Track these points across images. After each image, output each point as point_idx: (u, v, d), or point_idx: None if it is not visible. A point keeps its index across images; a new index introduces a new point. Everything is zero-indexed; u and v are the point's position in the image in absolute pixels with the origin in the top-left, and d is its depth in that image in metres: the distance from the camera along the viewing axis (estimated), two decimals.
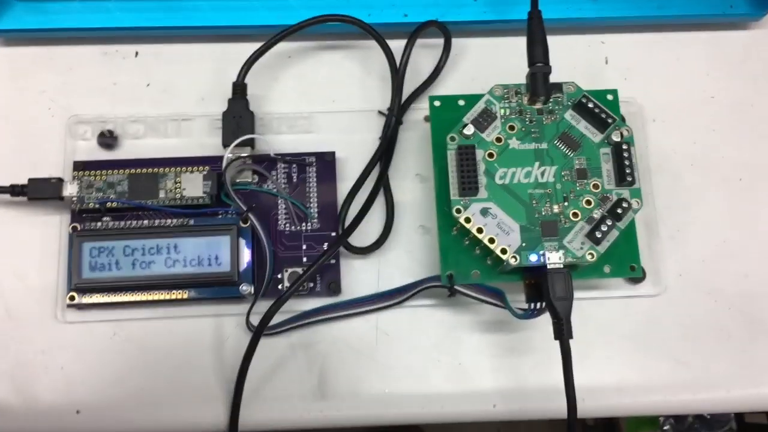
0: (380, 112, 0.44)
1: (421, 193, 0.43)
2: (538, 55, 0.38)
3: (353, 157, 0.44)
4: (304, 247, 0.41)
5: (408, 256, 0.42)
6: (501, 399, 0.41)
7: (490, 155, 0.38)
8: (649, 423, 1.10)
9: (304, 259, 0.41)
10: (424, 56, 0.46)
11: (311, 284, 0.41)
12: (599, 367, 0.41)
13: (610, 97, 0.40)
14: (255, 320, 0.39)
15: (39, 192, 0.40)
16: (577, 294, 0.39)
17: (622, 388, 0.41)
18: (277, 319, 0.40)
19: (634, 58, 0.47)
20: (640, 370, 0.41)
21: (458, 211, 0.37)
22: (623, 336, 0.42)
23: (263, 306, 0.40)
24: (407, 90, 0.44)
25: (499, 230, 0.36)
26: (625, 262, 0.38)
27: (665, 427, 1.10)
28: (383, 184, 0.43)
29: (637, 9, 0.46)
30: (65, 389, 0.40)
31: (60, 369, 0.40)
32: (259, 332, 0.38)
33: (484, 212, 0.37)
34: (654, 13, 0.46)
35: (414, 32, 0.43)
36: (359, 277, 0.42)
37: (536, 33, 0.38)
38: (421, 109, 0.44)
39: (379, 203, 0.43)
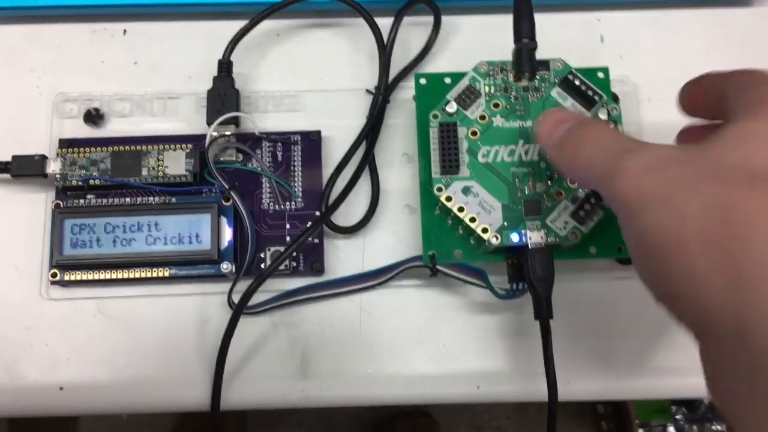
0: (368, 91, 0.44)
1: (408, 173, 0.43)
2: (525, 31, 0.37)
3: (340, 136, 0.43)
4: (288, 226, 0.41)
5: (393, 236, 0.42)
6: (485, 380, 0.40)
7: (474, 133, 0.37)
8: (661, 411, 1.09)
9: (288, 239, 0.41)
10: (415, 34, 0.45)
11: (294, 264, 0.40)
12: (585, 348, 0.41)
13: (601, 75, 0.39)
14: (237, 299, 0.39)
15: (22, 169, 0.40)
16: (564, 274, 0.39)
17: (608, 371, 0.40)
18: (260, 298, 0.39)
19: (631, 36, 0.46)
20: (628, 352, 0.41)
21: (439, 189, 0.36)
22: (611, 317, 0.41)
23: (246, 285, 0.39)
24: (396, 68, 0.44)
25: (480, 209, 0.36)
26: (612, 242, 0.37)
27: (677, 416, 1.08)
28: (369, 164, 0.42)
29: None
30: (49, 366, 0.40)
31: (45, 345, 0.40)
32: (239, 310, 0.38)
33: (466, 191, 0.36)
34: None
35: (401, 9, 0.42)
36: (343, 256, 0.41)
37: (523, 8, 0.37)
38: (409, 88, 0.43)
39: (365, 183, 0.42)
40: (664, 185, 0.25)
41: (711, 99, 0.30)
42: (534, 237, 0.35)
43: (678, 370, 0.40)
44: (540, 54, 0.39)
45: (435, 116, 0.37)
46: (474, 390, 0.40)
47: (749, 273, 0.22)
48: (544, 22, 0.45)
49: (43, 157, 0.40)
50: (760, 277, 0.22)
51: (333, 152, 0.43)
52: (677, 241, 0.24)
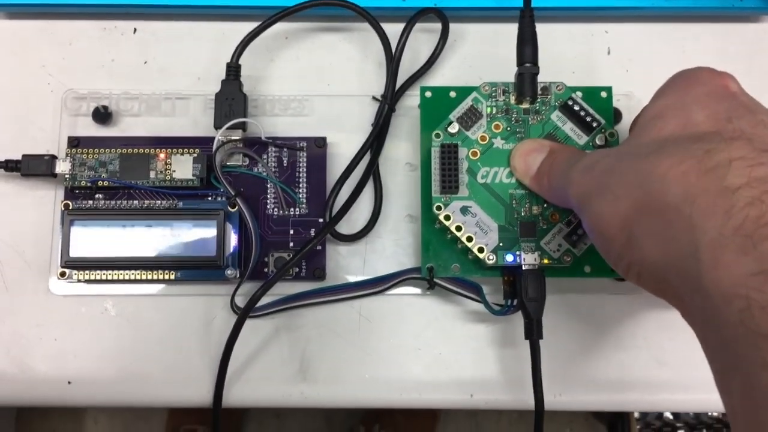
0: (374, 98, 0.44)
1: (410, 182, 0.43)
2: (527, 56, 0.37)
3: (346, 142, 0.44)
4: (291, 231, 0.42)
5: (394, 244, 0.43)
6: (478, 389, 0.41)
7: (474, 154, 0.37)
8: None
9: (291, 244, 0.42)
10: (423, 41, 0.45)
11: (297, 269, 0.41)
12: (576, 362, 0.42)
13: (604, 94, 0.40)
14: (240, 301, 0.41)
15: (32, 168, 0.41)
16: (558, 289, 0.40)
17: (599, 384, 0.41)
18: (262, 301, 0.40)
19: (638, 49, 0.46)
20: (619, 367, 0.42)
21: (438, 208, 0.37)
22: (602, 332, 0.42)
23: (249, 287, 0.41)
24: (404, 75, 0.44)
25: (477, 229, 0.37)
26: (606, 262, 0.38)
27: (677, 423, 1.09)
28: (373, 172, 0.43)
29: None
30: (58, 360, 0.41)
31: (54, 341, 0.41)
32: (244, 315, 0.39)
33: (464, 210, 0.37)
34: (660, 4, 0.44)
35: (411, 19, 0.43)
36: (345, 263, 0.42)
37: (526, 33, 0.37)
38: (415, 96, 0.44)
39: (368, 190, 0.43)
40: (598, 178, 0.29)
41: None
42: (528, 258, 0.36)
43: (667, 386, 0.41)
44: (546, 63, 0.39)
45: (437, 135, 0.38)
46: (467, 397, 0.41)
47: (674, 222, 0.25)
48: (553, 32, 0.45)
49: (53, 157, 0.41)
50: (681, 223, 0.25)
51: (338, 157, 0.44)
52: (616, 219, 0.28)
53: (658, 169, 0.26)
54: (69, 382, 0.41)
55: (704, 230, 0.24)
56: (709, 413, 1.01)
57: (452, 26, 0.44)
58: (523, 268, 0.36)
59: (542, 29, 0.39)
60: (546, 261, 0.36)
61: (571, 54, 0.46)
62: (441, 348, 0.42)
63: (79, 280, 0.41)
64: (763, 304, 0.22)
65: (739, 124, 0.26)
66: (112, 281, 0.41)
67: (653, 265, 0.27)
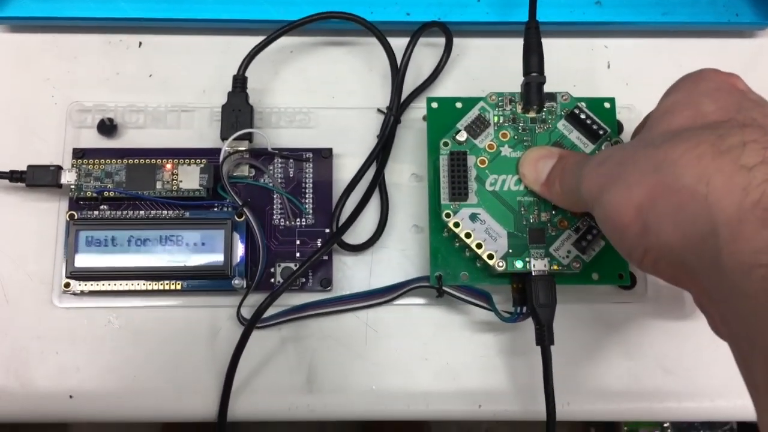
0: (379, 110, 0.44)
1: (416, 193, 0.43)
2: (534, 66, 0.38)
3: (351, 154, 0.44)
4: (298, 242, 0.42)
5: (400, 254, 0.43)
6: (486, 399, 0.41)
7: (482, 162, 0.38)
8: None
9: (297, 255, 0.42)
10: (426, 54, 0.46)
11: (303, 279, 0.41)
12: (584, 370, 0.42)
13: (607, 105, 0.40)
14: (246, 312, 0.40)
15: (37, 179, 0.41)
16: (565, 298, 0.40)
17: (607, 393, 0.41)
18: (268, 312, 0.40)
19: (637, 64, 0.47)
20: (627, 376, 0.42)
21: (448, 215, 0.37)
22: (609, 340, 0.42)
23: (254, 298, 0.40)
24: (408, 88, 0.44)
25: (486, 236, 0.37)
26: (613, 269, 0.38)
27: (665, 425, 1.10)
28: (379, 183, 0.43)
29: (641, 15, 0.45)
30: (59, 374, 0.41)
31: (55, 354, 0.41)
32: (250, 326, 0.39)
33: (473, 217, 0.37)
34: (658, 19, 0.45)
35: (415, 33, 0.43)
36: (351, 273, 0.42)
37: (532, 44, 0.38)
38: (420, 108, 0.44)
39: (374, 201, 0.43)
40: (611, 170, 0.30)
41: None
42: (538, 265, 0.36)
43: (674, 394, 0.41)
44: (548, 77, 0.39)
45: (445, 144, 0.38)
46: (475, 408, 0.41)
47: (690, 203, 0.25)
48: (553, 47, 0.46)
49: (59, 168, 0.41)
50: (698, 203, 0.25)
51: (344, 168, 0.44)
52: (630, 207, 0.28)
53: (671, 155, 0.26)
54: (71, 396, 0.40)
55: (721, 208, 0.24)
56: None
57: (456, 40, 0.45)
58: (533, 274, 0.36)
59: (544, 44, 0.40)
60: (555, 267, 0.36)
61: (572, 68, 0.46)
62: (448, 358, 0.42)
63: (82, 292, 0.40)
64: None
65: (749, 114, 0.27)
66: (117, 293, 0.40)
67: (670, 249, 0.27)
